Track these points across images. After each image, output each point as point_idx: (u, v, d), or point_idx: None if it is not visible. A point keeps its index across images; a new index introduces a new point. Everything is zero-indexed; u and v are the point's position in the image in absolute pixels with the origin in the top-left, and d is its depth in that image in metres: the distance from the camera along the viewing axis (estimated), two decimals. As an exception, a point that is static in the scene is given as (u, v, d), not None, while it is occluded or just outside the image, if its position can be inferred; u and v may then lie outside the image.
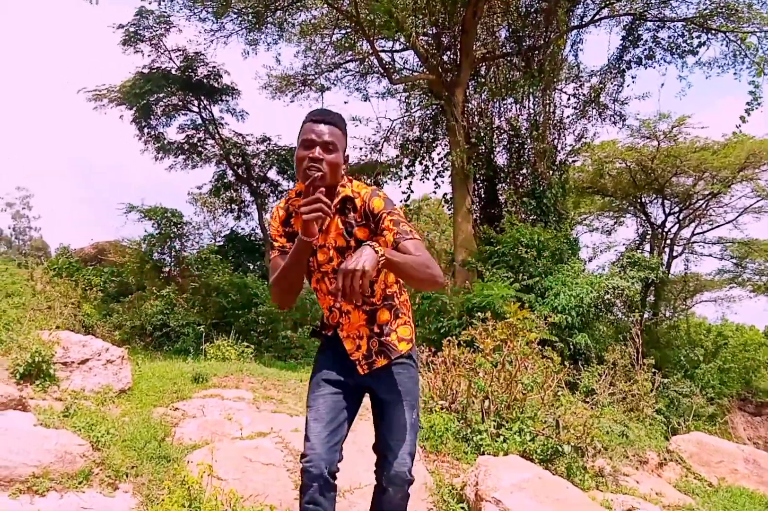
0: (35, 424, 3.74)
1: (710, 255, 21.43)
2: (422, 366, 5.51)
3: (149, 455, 3.75)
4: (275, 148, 17.31)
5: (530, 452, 4.35)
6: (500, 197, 14.33)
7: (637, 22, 14.01)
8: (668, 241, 19.85)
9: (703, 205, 19.42)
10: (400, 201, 16.07)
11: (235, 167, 17.24)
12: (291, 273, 2.10)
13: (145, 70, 14.98)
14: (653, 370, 7.55)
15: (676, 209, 19.59)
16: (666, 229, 19.84)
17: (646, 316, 14.95)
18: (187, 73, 15.24)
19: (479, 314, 9.58)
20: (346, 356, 2.25)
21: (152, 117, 16.02)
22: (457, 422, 4.69)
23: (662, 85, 21.68)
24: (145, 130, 16.24)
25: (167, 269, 14.31)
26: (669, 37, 14.03)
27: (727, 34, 13.39)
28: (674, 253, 20.10)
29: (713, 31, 13.53)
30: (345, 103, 27.51)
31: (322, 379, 2.25)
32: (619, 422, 5.48)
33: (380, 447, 2.24)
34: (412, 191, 16.03)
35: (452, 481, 3.87)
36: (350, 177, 2.26)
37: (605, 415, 5.38)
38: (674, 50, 14.05)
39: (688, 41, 13.88)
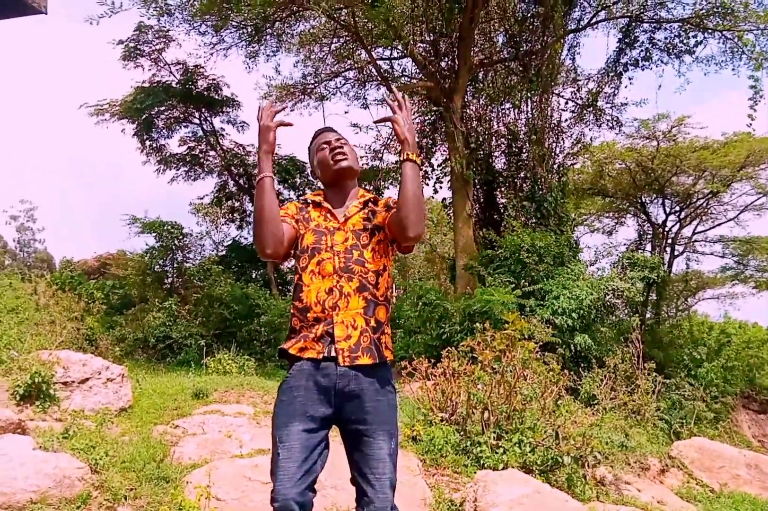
0: (34, 447, 3.76)
1: (712, 253, 21.37)
2: (422, 378, 5.51)
3: (148, 477, 3.76)
4: (276, 157, 17.32)
5: (530, 463, 4.34)
6: (500, 202, 14.36)
7: (634, 24, 14.00)
8: (669, 241, 19.81)
9: (704, 204, 19.38)
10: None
11: (237, 178, 17.31)
12: (264, 209, 2.17)
13: (146, 85, 15.06)
14: (654, 373, 7.52)
15: (677, 208, 19.56)
16: (667, 229, 19.81)
17: (648, 315, 14.91)
18: (187, 86, 15.30)
19: (480, 320, 9.67)
20: (326, 385, 2.13)
21: (154, 130, 16.09)
22: (456, 434, 4.68)
23: (659, 86, 21.65)
24: (147, 143, 16.30)
25: (169, 281, 14.37)
26: (665, 37, 14.04)
27: (724, 32, 13.39)
28: (675, 253, 20.06)
29: (710, 31, 13.52)
30: (345, 112, 27.56)
31: (293, 410, 2.11)
32: (620, 430, 5.47)
33: (359, 481, 2.12)
34: (412, 196, 16.08)
35: (452, 496, 3.87)
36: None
37: (606, 422, 5.36)
38: (671, 50, 14.05)
39: (685, 41, 13.87)
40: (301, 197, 2.47)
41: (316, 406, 2.12)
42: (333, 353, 2.13)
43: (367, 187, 17.23)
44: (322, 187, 2.48)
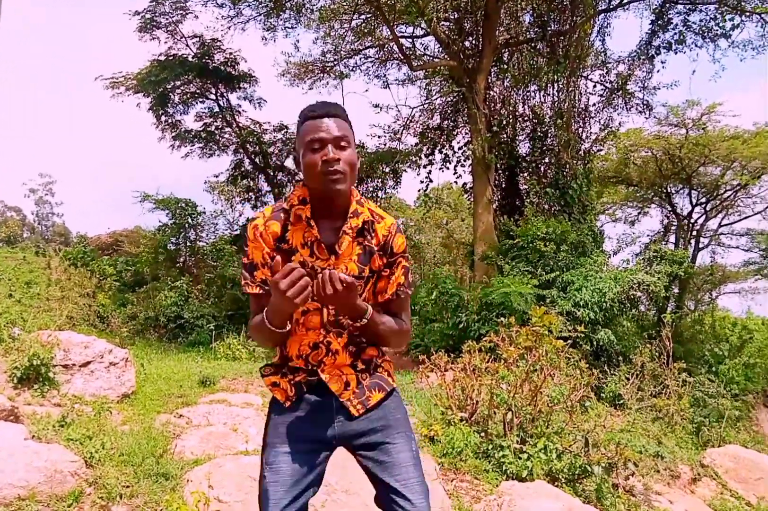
0: (26, 437, 3.50)
1: (737, 247, 20.87)
2: (440, 371, 5.21)
3: (146, 472, 3.49)
4: (292, 136, 17.00)
5: (556, 471, 4.03)
6: (522, 188, 13.95)
7: (668, 5, 13.45)
8: (694, 233, 19.30)
9: (732, 196, 18.81)
10: (419, 190, 15.75)
11: (252, 156, 16.98)
12: (270, 336, 1.78)
13: (162, 58, 14.71)
14: (684, 373, 7.17)
15: (703, 200, 19.02)
16: (692, 220, 19.29)
17: (669, 308, 14.53)
18: (204, 60, 14.94)
19: (497, 311, 9.36)
20: (323, 403, 1.87)
21: (169, 105, 15.78)
22: (477, 435, 4.38)
23: (693, 72, 20.96)
24: (162, 118, 16.01)
25: (182, 260, 14.16)
26: (700, 20, 13.47)
27: (763, 15, 12.79)
28: (700, 245, 19.58)
29: (747, 13, 12.92)
30: (365, 90, 27.13)
31: (285, 433, 1.84)
32: (652, 436, 5.14)
33: (388, 494, 1.82)
34: (431, 180, 15.69)
35: (472, 506, 3.57)
36: (359, 193, 1.92)
37: (636, 427, 5.03)
38: (706, 34, 13.49)
39: (721, 24, 13.28)
40: (284, 204, 1.91)
41: (310, 425, 1.85)
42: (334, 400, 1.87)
43: (385, 170, 16.85)
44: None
